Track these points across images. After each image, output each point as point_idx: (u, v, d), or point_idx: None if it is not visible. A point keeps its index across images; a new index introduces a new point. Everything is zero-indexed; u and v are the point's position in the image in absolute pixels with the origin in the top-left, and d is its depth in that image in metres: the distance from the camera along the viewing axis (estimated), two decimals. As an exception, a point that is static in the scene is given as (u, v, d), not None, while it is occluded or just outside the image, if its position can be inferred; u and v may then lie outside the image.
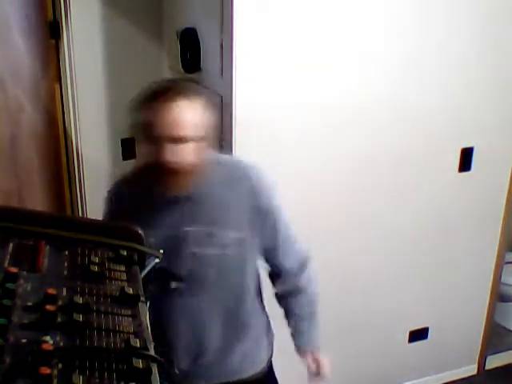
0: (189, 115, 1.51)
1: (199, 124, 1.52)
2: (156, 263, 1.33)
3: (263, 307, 1.84)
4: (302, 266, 1.78)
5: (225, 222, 1.63)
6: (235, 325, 1.73)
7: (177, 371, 1.78)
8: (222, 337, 1.71)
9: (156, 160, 1.52)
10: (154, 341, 1.35)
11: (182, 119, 1.49)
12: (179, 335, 1.69)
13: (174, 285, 1.66)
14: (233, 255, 1.65)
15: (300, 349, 1.81)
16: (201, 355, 1.71)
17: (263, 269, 1.81)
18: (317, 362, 1.77)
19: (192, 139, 1.51)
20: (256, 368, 1.82)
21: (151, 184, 1.60)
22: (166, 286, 1.65)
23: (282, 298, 1.82)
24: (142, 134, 1.55)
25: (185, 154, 1.51)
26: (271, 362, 1.88)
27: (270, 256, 1.75)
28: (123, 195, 1.71)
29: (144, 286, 1.54)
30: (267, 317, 1.86)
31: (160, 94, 1.52)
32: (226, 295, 1.69)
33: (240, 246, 1.65)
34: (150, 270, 1.53)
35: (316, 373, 1.78)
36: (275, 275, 1.79)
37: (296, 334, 1.82)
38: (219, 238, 1.62)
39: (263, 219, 1.67)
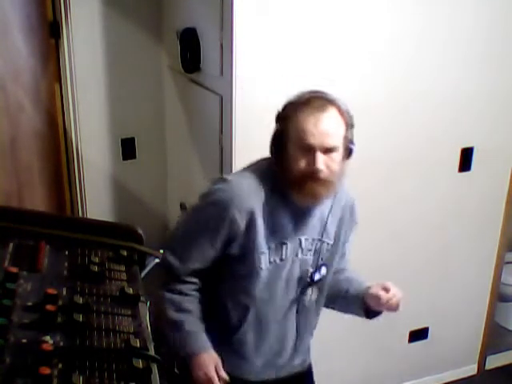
0: (339, 126, 1.56)
1: (342, 134, 1.57)
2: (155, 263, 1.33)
3: None
4: (347, 264, 1.94)
5: (327, 231, 1.72)
6: (311, 327, 1.82)
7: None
8: (299, 338, 1.78)
9: (302, 170, 1.54)
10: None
11: (331, 129, 1.54)
12: (269, 338, 1.73)
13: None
14: (333, 266, 1.78)
15: (362, 294, 1.79)
16: (279, 356, 1.77)
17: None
18: (385, 288, 1.75)
19: (338, 149, 1.56)
20: (309, 359, 1.90)
21: (284, 192, 1.61)
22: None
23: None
24: (292, 142, 1.56)
25: (332, 164, 1.55)
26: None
27: None
28: (248, 203, 1.60)
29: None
30: None
31: (307, 105, 1.55)
32: (320, 299, 1.79)
33: (331, 254, 1.76)
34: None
35: (391, 304, 1.77)
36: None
37: (351, 287, 1.84)
38: (319, 242, 1.71)
39: (350, 229, 1.83)
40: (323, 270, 1.73)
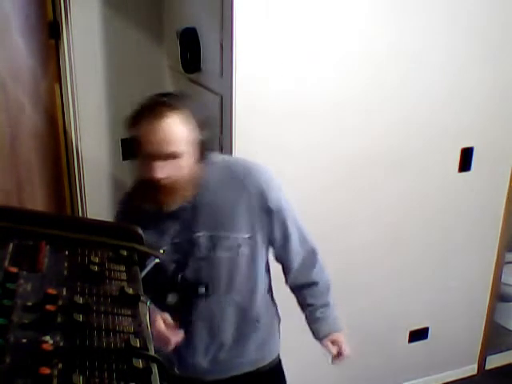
0: (176, 131, 1.52)
1: (186, 139, 1.54)
2: (156, 263, 1.33)
3: (272, 298, 1.88)
4: (312, 261, 1.82)
5: (232, 224, 1.65)
6: (247, 320, 1.77)
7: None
8: (237, 332, 1.76)
9: (146, 177, 1.54)
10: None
11: (169, 136, 1.51)
12: (197, 335, 1.73)
13: (200, 291, 1.69)
14: (243, 256, 1.68)
15: (319, 335, 1.82)
16: (219, 351, 1.76)
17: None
18: (337, 344, 1.78)
19: (180, 155, 1.52)
20: (270, 357, 1.88)
21: (148, 200, 1.61)
22: (189, 294, 1.69)
23: (295, 291, 1.85)
24: (134, 151, 1.56)
25: (174, 170, 1.52)
26: (279, 351, 1.93)
27: (279, 254, 1.79)
28: (127, 211, 1.72)
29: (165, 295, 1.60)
30: (276, 306, 1.90)
31: (146, 112, 1.53)
32: (238, 295, 1.72)
33: (250, 246, 1.68)
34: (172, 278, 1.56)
35: (337, 354, 1.79)
36: (287, 271, 1.82)
37: (313, 323, 1.83)
38: (228, 240, 1.64)
39: (272, 218, 1.69)
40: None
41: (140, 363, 0.91)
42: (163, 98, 1.55)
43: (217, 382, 1.80)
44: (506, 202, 2.81)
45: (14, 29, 2.29)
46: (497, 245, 2.89)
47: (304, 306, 1.84)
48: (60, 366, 0.88)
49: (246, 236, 1.66)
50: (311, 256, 1.81)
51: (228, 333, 1.75)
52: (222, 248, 1.65)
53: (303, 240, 1.78)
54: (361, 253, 2.56)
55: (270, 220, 1.69)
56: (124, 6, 2.53)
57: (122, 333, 1.00)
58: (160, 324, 1.56)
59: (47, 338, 0.93)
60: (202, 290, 1.67)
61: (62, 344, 0.92)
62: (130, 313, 1.07)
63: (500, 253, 2.91)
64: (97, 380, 0.87)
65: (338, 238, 2.49)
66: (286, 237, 1.74)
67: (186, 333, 1.66)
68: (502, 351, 3.23)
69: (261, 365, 1.85)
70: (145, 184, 1.57)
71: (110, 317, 1.04)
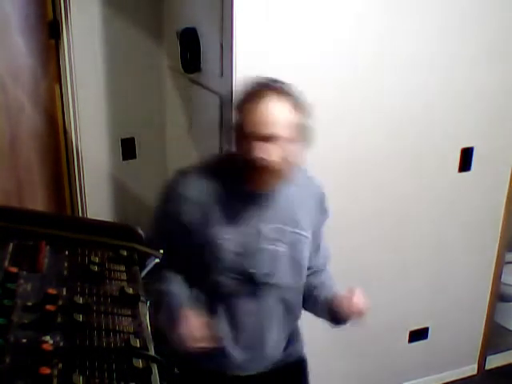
0: (281, 114, 1.55)
1: (290, 124, 1.56)
2: (156, 262, 1.33)
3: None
4: (326, 264, 1.89)
5: (299, 221, 1.70)
6: (291, 317, 1.80)
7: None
8: (281, 330, 1.78)
9: (250, 157, 1.55)
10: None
11: (283, 120, 1.54)
12: (246, 330, 1.72)
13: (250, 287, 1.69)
14: (301, 253, 1.73)
15: (331, 300, 1.78)
16: (262, 348, 1.76)
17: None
18: (350, 296, 1.72)
19: (289, 140, 1.56)
20: (298, 352, 1.89)
21: (232, 179, 1.64)
22: (254, 283, 1.68)
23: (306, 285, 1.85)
24: (237, 130, 1.59)
25: (275, 153, 1.55)
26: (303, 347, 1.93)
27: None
28: (194, 191, 1.66)
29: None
30: None
31: (255, 92, 1.56)
32: (289, 291, 1.75)
33: (306, 244, 1.74)
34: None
35: (355, 309, 1.72)
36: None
37: (322, 292, 1.82)
38: (293, 235, 1.69)
39: (321, 221, 1.80)
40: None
41: (140, 363, 0.91)
42: (277, 83, 1.59)
43: (250, 377, 1.80)
44: (506, 201, 2.81)
45: (13, 29, 2.30)
46: (497, 245, 2.89)
47: (312, 295, 1.84)
48: (60, 365, 0.88)
49: (306, 234, 1.73)
50: (327, 259, 1.90)
51: (274, 330, 1.76)
52: (285, 242, 1.68)
53: (324, 243, 1.87)
54: (361, 253, 2.56)
55: (319, 222, 1.79)
56: (124, 6, 2.53)
57: (122, 333, 1.00)
58: (193, 320, 1.55)
59: (47, 338, 0.93)
60: (267, 279, 1.68)
61: (62, 344, 0.93)
62: (129, 313, 1.07)
63: (500, 253, 2.91)
64: (97, 380, 0.87)
65: (337, 238, 2.48)
66: (319, 238, 1.83)
67: (232, 328, 1.69)
68: (502, 351, 3.22)
69: (290, 360, 1.86)
70: (247, 165, 1.57)
71: (110, 317, 1.04)
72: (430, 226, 2.67)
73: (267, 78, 1.62)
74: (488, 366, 3.15)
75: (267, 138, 1.53)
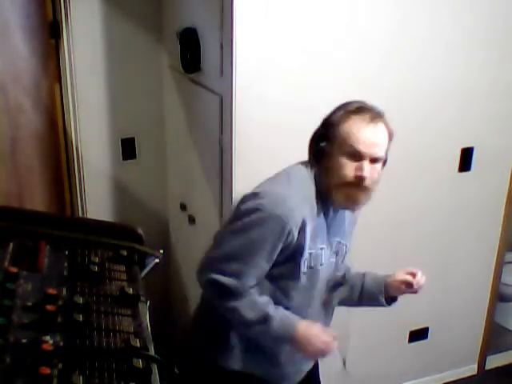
0: (385, 138, 1.63)
1: (386, 147, 1.65)
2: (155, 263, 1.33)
3: None
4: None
5: (347, 233, 1.82)
6: (330, 325, 1.87)
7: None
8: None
9: (347, 176, 1.60)
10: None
11: (381, 141, 1.62)
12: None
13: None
14: (340, 263, 1.84)
15: (383, 280, 1.85)
16: (307, 359, 1.83)
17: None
18: (410, 271, 1.78)
19: (382, 160, 1.64)
20: None
21: (325, 196, 1.66)
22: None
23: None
24: (340, 146, 1.61)
25: (375, 173, 1.63)
26: None
27: None
28: (298, 214, 1.62)
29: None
30: None
31: (367, 114, 1.62)
32: (335, 300, 1.86)
33: (346, 253, 1.84)
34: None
35: (418, 282, 1.77)
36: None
37: (369, 277, 1.90)
38: (344, 247, 1.81)
39: (353, 229, 1.89)
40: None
41: (140, 363, 0.91)
42: (368, 104, 1.67)
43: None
44: (506, 201, 2.81)
45: (14, 29, 2.30)
46: (497, 245, 2.89)
47: (355, 284, 1.91)
48: (60, 365, 0.88)
49: (348, 244, 1.82)
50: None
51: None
52: (335, 252, 1.78)
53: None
54: (361, 253, 2.55)
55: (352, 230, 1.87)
56: (124, 6, 2.53)
57: (122, 333, 1.00)
58: (315, 328, 1.64)
59: (47, 338, 0.93)
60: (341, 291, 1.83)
61: (62, 344, 0.92)
62: (129, 313, 1.07)
63: (500, 253, 2.91)
64: (97, 380, 0.87)
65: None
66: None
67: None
68: (501, 351, 3.22)
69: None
70: (342, 181, 1.61)
71: (110, 317, 1.04)
72: (430, 225, 2.67)
73: (362, 101, 1.69)
74: (488, 366, 3.15)
75: (372, 159, 1.59)
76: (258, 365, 1.74)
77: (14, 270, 1.08)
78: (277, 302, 1.67)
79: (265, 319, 1.62)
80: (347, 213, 1.78)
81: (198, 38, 2.28)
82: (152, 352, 0.96)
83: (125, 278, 1.20)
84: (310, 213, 1.64)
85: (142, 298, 1.13)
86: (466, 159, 2.61)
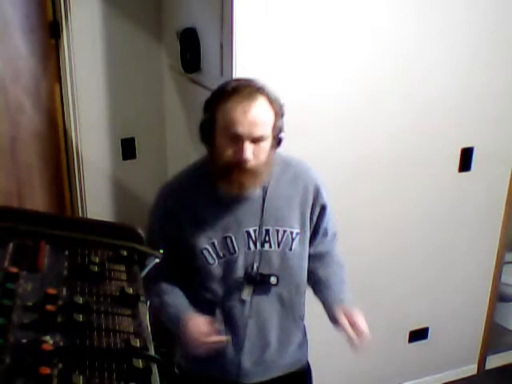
0: (265, 114, 1.54)
1: (271, 123, 1.55)
2: (155, 263, 1.33)
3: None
4: (334, 244, 1.86)
5: (287, 219, 1.67)
6: (292, 318, 1.77)
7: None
8: (282, 331, 1.75)
9: (230, 159, 1.53)
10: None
11: (259, 118, 1.52)
12: (246, 333, 1.71)
13: (244, 294, 1.68)
14: (294, 251, 1.69)
15: (332, 309, 1.73)
16: (264, 352, 1.75)
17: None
18: (350, 317, 1.67)
19: (266, 138, 1.54)
20: (302, 361, 1.87)
21: (215, 184, 1.61)
22: (262, 286, 1.68)
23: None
24: (219, 131, 1.55)
25: (258, 153, 1.53)
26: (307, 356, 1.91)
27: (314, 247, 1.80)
28: (179, 201, 1.66)
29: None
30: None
31: (237, 93, 1.52)
32: (285, 290, 1.72)
33: (300, 241, 1.70)
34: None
35: (353, 332, 1.67)
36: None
37: (326, 294, 1.79)
38: (283, 234, 1.67)
39: (319, 215, 1.74)
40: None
41: (140, 363, 0.91)
42: (249, 81, 1.56)
43: None
44: (506, 202, 2.81)
45: (14, 29, 2.30)
46: (497, 245, 2.89)
47: (318, 280, 1.82)
48: (60, 365, 0.88)
49: (298, 230, 1.69)
50: (334, 244, 1.86)
51: (274, 331, 1.74)
52: (275, 242, 1.66)
53: (334, 236, 1.84)
54: (361, 253, 2.56)
55: (321, 216, 1.74)
56: (124, 6, 2.53)
57: (122, 333, 1.00)
58: (197, 325, 1.57)
59: (47, 338, 0.93)
60: (274, 280, 1.67)
61: (62, 344, 0.92)
62: (129, 313, 1.07)
63: (500, 253, 2.91)
64: (97, 380, 0.87)
65: (340, 239, 2.48)
66: (324, 233, 1.79)
67: (233, 333, 1.68)
68: (501, 351, 3.22)
69: (297, 367, 1.84)
70: (224, 166, 1.55)
71: (110, 317, 1.04)
72: (430, 226, 2.67)
73: (243, 78, 1.60)
74: (488, 366, 3.15)
75: (252, 138, 1.51)
76: (215, 364, 1.71)
77: (14, 270, 1.08)
78: (203, 300, 1.66)
79: (162, 307, 1.63)
80: (288, 197, 1.67)
81: (198, 38, 2.28)
82: (152, 352, 0.96)
83: (125, 278, 1.20)
84: (197, 202, 1.62)
85: (142, 298, 1.12)
86: (466, 159, 2.61)
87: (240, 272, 1.66)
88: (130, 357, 0.92)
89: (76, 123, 2.58)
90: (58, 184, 2.68)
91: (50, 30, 2.46)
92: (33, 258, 1.15)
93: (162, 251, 1.58)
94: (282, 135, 1.61)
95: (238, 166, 1.53)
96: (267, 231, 1.65)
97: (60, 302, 1.03)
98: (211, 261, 1.64)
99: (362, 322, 1.65)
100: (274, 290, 1.69)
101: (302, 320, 1.83)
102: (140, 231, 1.43)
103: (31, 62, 2.42)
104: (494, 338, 3.13)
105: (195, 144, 2.53)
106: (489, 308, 3.00)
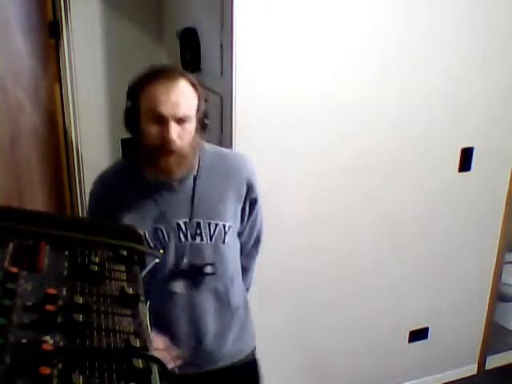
0: (188, 95, 1.56)
1: (195, 104, 1.58)
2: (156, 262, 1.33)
3: (245, 289, 1.90)
4: (257, 250, 1.90)
5: (220, 211, 1.68)
6: (227, 308, 1.78)
7: (176, 371, 1.79)
8: (217, 322, 1.76)
9: (155, 141, 1.54)
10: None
11: (183, 98, 1.54)
12: (180, 326, 1.72)
13: (176, 286, 1.68)
14: (227, 243, 1.70)
15: None
16: (200, 343, 1.75)
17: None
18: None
19: (190, 119, 1.56)
20: (244, 352, 1.87)
21: (143, 170, 1.62)
22: (196, 276, 1.68)
23: None
24: (143, 114, 1.56)
25: (183, 134, 1.55)
26: (255, 349, 1.92)
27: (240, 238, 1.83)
28: (107, 193, 1.69)
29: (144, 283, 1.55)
30: (247, 301, 1.91)
31: (159, 75, 1.56)
32: (220, 282, 1.73)
33: (232, 233, 1.71)
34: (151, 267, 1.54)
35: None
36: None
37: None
38: (215, 227, 1.67)
39: (250, 208, 1.77)
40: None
41: (140, 363, 0.91)
42: (168, 66, 1.62)
43: (195, 378, 1.78)
44: (506, 202, 2.81)
45: (14, 29, 2.29)
46: (497, 245, 2.89)
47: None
48: (60, 366, 0.88)
49: (231, 223, 1.70)
50: (258, 245, 1.90)
51: (209, 323, 1.74)
52: (207, 235, 1.67)
53: (260, 231, 1.87)
54: (361, 253, 2.56)
55: (251, 209, 1.76)
56: (124, 6, 2.53)
57: (122, 333, 1.00)
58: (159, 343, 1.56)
59: (47, 338, 0.93)
60: (209, 269, 1.68)
61: (61, 344, 0.92)
62: (129, 313, 1.07)
63: (500, 253, 2.91)
64: (97, 380, 0.87)
65: (337, 239, 2.49)
66: (252, 227, 1.82)
67: (165, 326, 1.66)
68: (501, 351, 3.22)
69: (237, 359, 1.84)
70: (151, 151, 1.56)
71: (110, 317, 1.04)
72: (430, 226, 2.67)
73: (162, 64, 1.64)
74: (488, 366, 3.15)
75: (176, 119, 1.53)
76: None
77: (14, 270, 1.08)
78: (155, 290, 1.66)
79: None
80: (221, 190, 1.68)
81: (198, 38, 2.28)
82: (152, 352, 0.96)
83: (125, 278, 1.20)
84: (124, 193, 1.64)
85: (142, 298, 1.12)
86: (466, 159, 2.61)
87: (170, 265, 1.67)
88: (130, 357, 0.92)
89: (76, 123, 2.58)
90: (57, 184, 2.68)
91: (49, 30, 2.46)
92: (33, 258, 1.15)
93: (162, 251, 1.58)
94: (207, 121, 1.63)
95: (164, 148, 1.54)
96: (198, 224, 1.66)
97: (60, 302, 1.03)
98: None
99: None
100: (209, 283, 1.70)
101: (240, 310, 1.83)
102: (140, 231, 1.43)
103: (31, 62, 2.41)
104: (494, 338, 3.13)
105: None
106: (489, 308, 3.00)
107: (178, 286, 1.69)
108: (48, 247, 1.20)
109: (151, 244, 1.64)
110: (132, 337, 0.99)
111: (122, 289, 1.12)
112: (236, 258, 1.78)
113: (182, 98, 1.54)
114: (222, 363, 1.81)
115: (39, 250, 1.17)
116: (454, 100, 2.49)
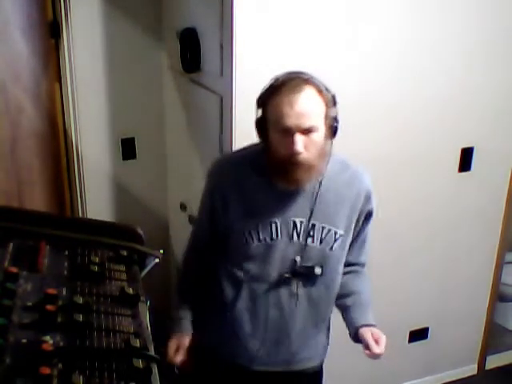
0: (313, 104, 1.53)
1: (321, 113, 1.54)
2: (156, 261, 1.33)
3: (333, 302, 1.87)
4: (365, 263, 1.89)
5: (334, 218, 1.67)
6: (318, 317, 1.78)
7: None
8: (304, 327, 1.76)
9: (282, 153, 1.53)
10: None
11: (307, 109, 1.51)
12: (268, 323, 1.72)
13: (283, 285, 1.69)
14: (334, 251, 1.69)
15: (358, 326, 1.75)
16: (281, 344, 1.76)
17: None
18: (376, 335, 1.70)
19: (317, 129, 1.52)
20: (316, 360, 1.87)
21: (269, 176, 1.61)
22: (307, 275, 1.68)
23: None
24: (271, 126, 1.55)
25: (310, 145, 1.52)
26: (323, 361, 1.92)
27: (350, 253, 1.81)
28: (233, 178, 1.68)
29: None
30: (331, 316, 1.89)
31: (283, 86, 1.53)
32: (317, 291, 1.72)
33: (341, 243, 1.70)
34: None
35: (374, 348, 1.68)
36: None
37: (354, 309, 1.80)
38: (327, 232, 1.67)
39: (364, 222, 1.76)
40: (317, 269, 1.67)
41: (140, 363, 0.91)
42: (296, 73, 1.58)
43: (263, 374, 1.79)
44: (506, 202, 2.81)
45: (14, 29, 2.30)
46: (497, 245, 2.89)
47: (343, 303, 1.83)
48: (60, 365, 0.88)
49: (342, 232, 1.69)
50: (366, 261, 1.88)
51: (297, 324, 1.74)
52: (318, 238, 1.67)
53: (368, 247, 1.85)
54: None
55: (365, 223, 1.77)
56: (124, 6, 2.53)
57: (122, 333, 1.00)
58: (172, 347, 1.67)
59: (47, 338, 0.93)
60: (319, 270, 1.67)
61: (61, 344, 0.93)
62: (129, 313, 1.07)
63: (500, 253, 2.91)
64: (97, 380, 0.87)
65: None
66: (363, 240, 1.81)
67: (255, 319, 1.70)
68: (501, 351, 3.22)
69: (305, 367, 1.84)
70: (279, 161, 1.55)
71: (110, 317, 1.04)
72: (430, 225, 2.67)
73: (292, 71, 1.60)
74: (488, 366, 3.15)
75: (302, 130, 1.50)
76: (225, 342, 1.75)
77: (14, 269, 1.08)
78: (232, 276, 1.69)
79: (177, 303, 1.77)
80: (341, 198, 1.68)
81: (198, 38, 2.28)
82: (152, 352, 0.96)
83: (125, 278, 1.20)
84: (243, 184, 1.64)
85: (142, 298, 1.13)
86: (466, 159, 2.61)
87: (274, 260, 1.66)
88: (130, 357, 0.92)
89: (76, 123, 2.58)
90: (58, 184, 2.68)
91: (50, 30, 2.46)
92: (33, 258, 1.15)
93: (162, 251, 1.58)
94: (337, 124, 1.60)
95: (292, 160, 1.53)
96: (313, 226, 1.65)
97: (60, 302, 1.03)
98: (250, 241, 1.64)
99: (383, 342, 1.68)
100: (306, 283, 1.70)
101: (326, 323, 1.84)
102: (140, 231, 1.43)
103: (31, 62, 2.42)
104: (493, 338, 3.13)
105: (195, 144, 2.54)
106: (489, 308, 3.00)
107: (293, 286, 1.69)
108: (48, 247, 1.21)
109: (261, 236, 1.64)
110: (132, 337, 0.99)
111: (122, 289, 1.13)
112: (338, 269, 1.74)
113: (307, 108, 1.50)
114: (293, 368, 1.81)
115: (39, 250, 1.18)
116: (454, 100, 2.49)
